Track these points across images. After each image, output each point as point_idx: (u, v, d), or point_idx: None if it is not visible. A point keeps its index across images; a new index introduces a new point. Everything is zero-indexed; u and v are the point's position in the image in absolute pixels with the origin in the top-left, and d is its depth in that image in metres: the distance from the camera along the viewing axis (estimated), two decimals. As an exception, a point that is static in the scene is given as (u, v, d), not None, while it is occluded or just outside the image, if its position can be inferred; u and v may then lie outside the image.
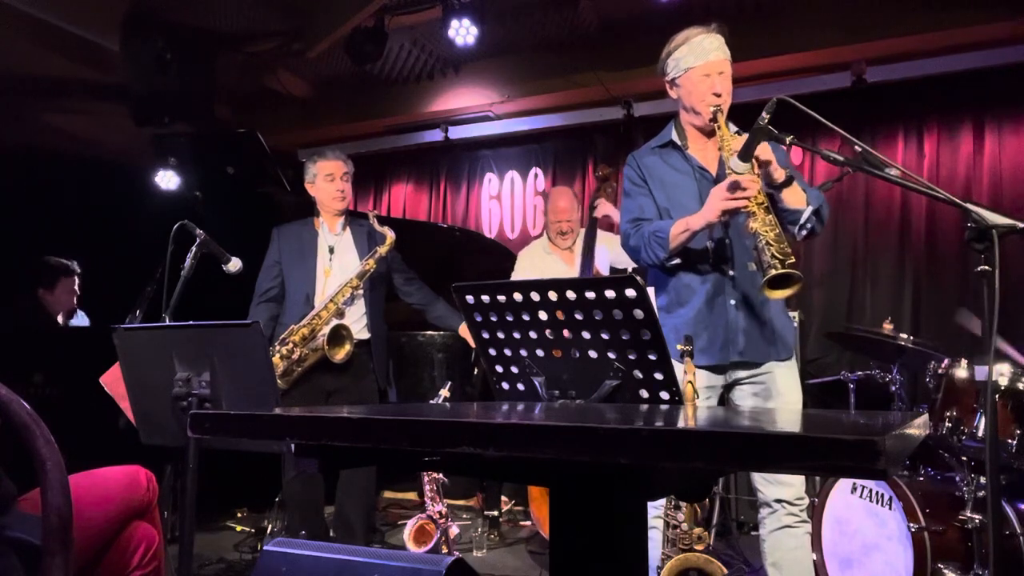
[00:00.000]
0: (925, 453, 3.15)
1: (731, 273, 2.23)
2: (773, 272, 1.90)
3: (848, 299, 4.87)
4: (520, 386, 1.47)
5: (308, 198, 3.47)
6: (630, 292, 1.27)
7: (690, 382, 1.95)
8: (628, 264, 3.53)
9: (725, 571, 2.55)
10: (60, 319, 4.36)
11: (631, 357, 1.33)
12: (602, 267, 3.71)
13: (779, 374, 2.25)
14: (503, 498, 4.39)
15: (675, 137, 2.35)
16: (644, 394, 1.36)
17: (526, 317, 1.38)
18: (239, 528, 4.20)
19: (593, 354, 1.35)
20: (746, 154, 1.99)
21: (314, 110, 5.95)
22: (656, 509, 2.41)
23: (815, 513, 2.92)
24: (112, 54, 4.57)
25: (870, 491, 2.83)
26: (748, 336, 2.22)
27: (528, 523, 4.35)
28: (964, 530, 2.58)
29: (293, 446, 1.05)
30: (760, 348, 2.23)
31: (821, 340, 4.69)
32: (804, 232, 2.17)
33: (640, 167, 2.36)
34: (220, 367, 1.98)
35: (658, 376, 1.33)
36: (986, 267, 1.50)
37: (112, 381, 2.23)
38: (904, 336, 3.17)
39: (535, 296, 1.34)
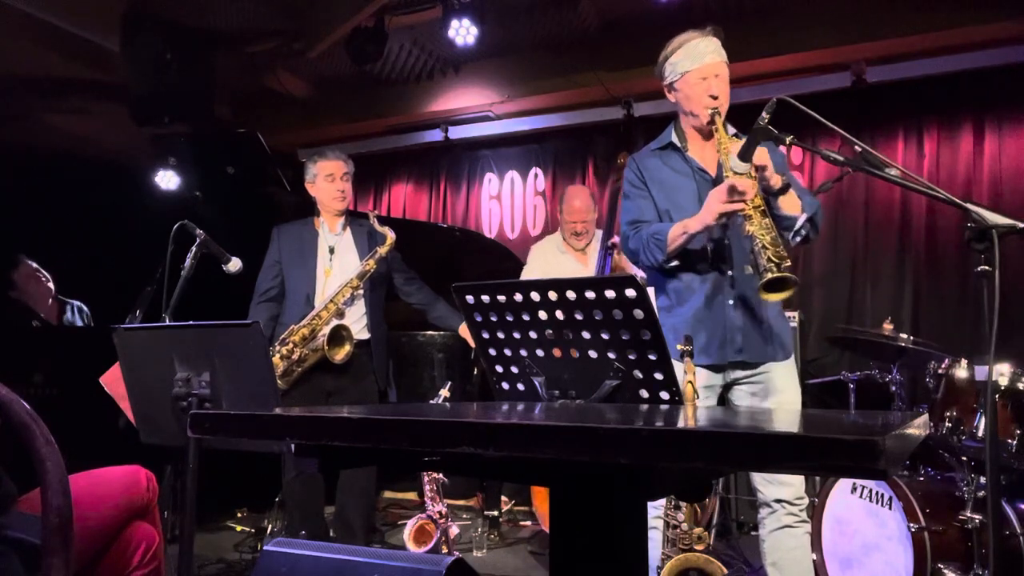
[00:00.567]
0: (925, 453, 3.15)
1: (730, 273, 2.24)
2: (769, 276, 1.92)
3: (848, 299, 4.87)
4: (520, 386, 1.47)
5: (308, 198, 3.47)
6: (630, 292, 1.27)
7: (690, 382, 1.95)
8: None
9: (725, 571, 2.55)
10: (52, 313, 4.32)
11: (631, 357, 1.33)
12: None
13: (777, 374, 2.26)
14: (503, 498, 4.39)
15: (675, 139, 2.36)
16: (644, 394, 1.36)
17: (526, 317, 1.38)
18: (239, 528, 4.20)
19: (593, 354, 1.35)
20: (746, 154, 2.00)
21: (314, 110, 5.94)
22: (656, 509, 2.41)
23: (815, 513, 2.92)
24: (112, 54, 4.57)
25: (870, 491, 2.83)
26: (746, 336, 2.22)
27: (528, 523, 4.35)
28: (964, 530, 2.58)
29: (293, 446, 1.05)
30: (758, 348, 2.24)
31: (821, 341, 4.69)
32: (798, 239, 2.21)
33: (640, 169, 2.37)
34: (220, 367, 1.98)
35: (658, 376, 1.33)
36: (986, 267, 1.50)
37: (112, 381, 2.23)
38: (904, 336, 3.17)
39: (535, 296, 1.35)
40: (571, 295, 1.31)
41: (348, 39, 4.77)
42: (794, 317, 4.18)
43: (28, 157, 5.47)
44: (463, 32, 4.55)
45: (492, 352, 1.47)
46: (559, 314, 1.34)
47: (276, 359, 3.12)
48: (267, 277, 3.36)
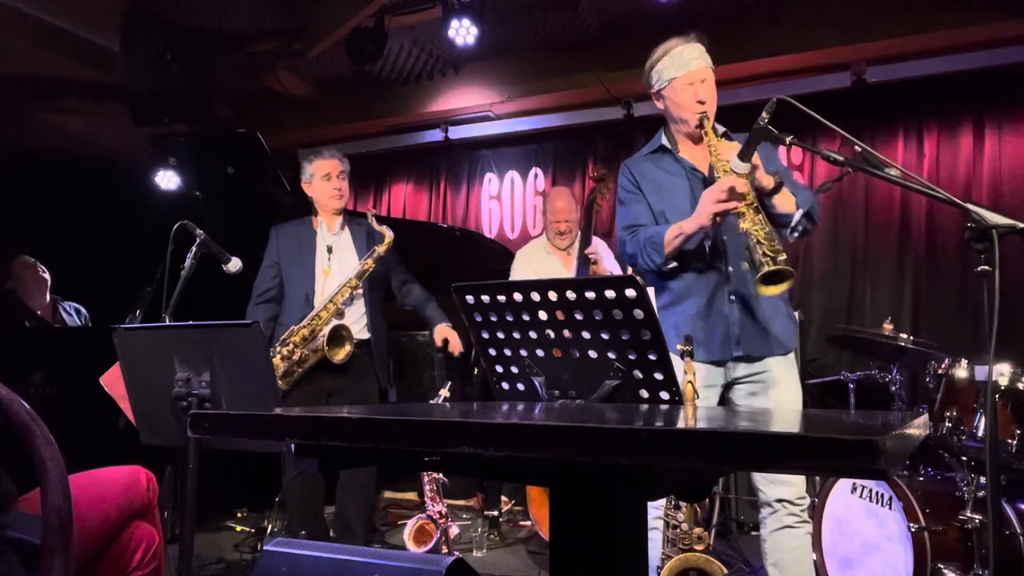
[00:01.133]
0: (925, 453, 3.15)
1: (728, 270, 2.25)
2: (765, 269, 1.93)
3: (848, 299, 4.87)
4: (520, 386, 1.47)
5: (307, 198, 3.47)
6: (630, 292, 1.27)
7: (690, 382, 1.95)
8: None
9: (725, 571, 2.55)
10: (47, 310, 4.31)
11: (631, 357, 1.33)
12: (614, 268, 3.66)
13: (778, 371, 2.26)
14: (503, 498, 4.39)
15: (666, 142, 2.39)
16: (644, 394, 1.36)
17: (526, 317, 1.38)
18: (239, 528, 4.20)
19: (593, 354, 1.35)
20: (746, 154, 2.01)
21: (314, 110, 5.94)
22: (656, 509, 2.41)
23: (815, 513, 2.92)
24: (112, 54, 4.57)
25: (870, 491, 2.83)
26: (746, 331, 2.23)
27: (528, 523, 4.35)
28: (964, 530, 2.58)
29: (293, 446, 1.05)
30: (758, 342, 2.24)
31: (821, 341, 4.69)
32: (795, 235, 2.21)
33: (633, 174, 2.39)
34: (220, 367, 1.98)
35: (658, 376, 1.33)
36: (986, 267, 1.50)
37: (112, 381, 2.23)
38: (904, 336, 3.17)
39: (535, 296, 1.35)
40: (571, 295, 1.31)
41: (348, 39, 4.77)
42: (795, 315, 4.18)
43: (28, 157, 5.47)
44: (463, 32, 4.55)
45: (492, 352, 1.47)
46: (559, 314, 1.34)
47: (277, 360, 3.12)
48: (265, 278, 3.36)
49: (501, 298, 1.38)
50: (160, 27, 4.45)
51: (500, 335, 1.43)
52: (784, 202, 2.17)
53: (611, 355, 1.34)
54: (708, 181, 2.25)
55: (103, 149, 5.64)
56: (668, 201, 2.32)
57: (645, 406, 1.33)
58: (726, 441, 0.74)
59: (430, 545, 3.43)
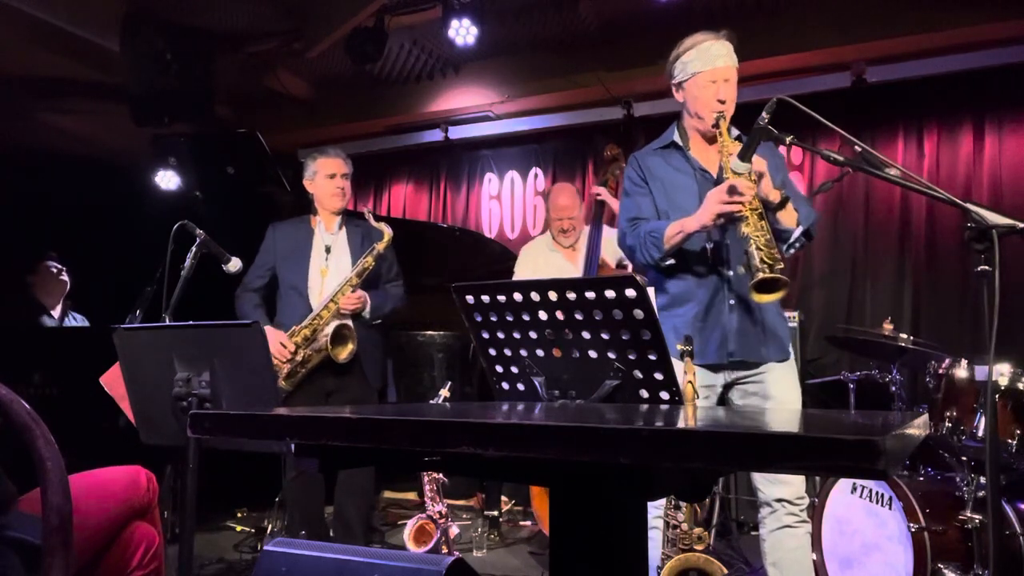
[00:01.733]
0: (925, 453, 3.15)
1: (728, 274, 2.24)
2: (760, 276, 1.93)
3: (848, 299, 4.86)
4: (520, 386, 1.47)
5: (307, 198, 3.46)
6: (630, 292, 1.27)
7: (690, 382, 1.95)
8: None
9: (725, 571, 2.55)
10: (58, 313, 4.37)
11: (631, 357, 1.33)
12: (610, 259, 3.66)
13: (777, 375, 2.26)
14: (503, 498, 4.39)
15: (677, 138, 2.37)
16: (644, 394, 1.36)
17: (526, 317, 1.38)
18: (239, 528, 4.20)
19: (593, 354, 1.35)
20: (746, 154, 2.01)
21: (314, 110, 5.94)
22: (656, 509, 2.41)
23: (815, 513, 2.92)
24: (112, 54, 4.57)
25: (870, 491, 2.83)
26: (744, 336, 2.23)
27: (528, 523, 4.35)
28: (964, 530, 2.58)
29: (293, 446, 1.05)
30: (756, 348, 2.24)
31: (821, 341, 4.69)
32: (791, 251, 2.21)
33: (642, 167, 2.37)
34: (220, 367, 1.98)
35: (658, 376, 1.33)
36: (986, 267, 1.51)
37: (112, 381, 2.23)
38: (904, 336, 3.17)
39: (535, 296, 1.35)
40: (571, 295, 1.31)
41: (348, 39, 4.77)
42: (794, 317, 4.18)
43: (28, 157, 5.47)
44: (463, 32, 4.55)
45: (492, 352, 1.47)
46: (559, 314, 1.34)
47: (280, 362, 3.12)
48: (257, 273, 3.33)
49: (501, 298, 1.38)
50: (160, 27, 4.45)
51: (500, 335, 1.43)
52: (787, 218, 2.18)
53: (611, 355, 1.34)
54: (717, 184, 2.24)
55: (103, 149, 5.64)
56: (673, 200, 2.30)
57: (645, 406, 1.33)
58: (726, 441, 0.74)
59: (430, 545, 3.43)
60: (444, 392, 3.47)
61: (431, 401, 3.62)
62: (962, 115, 4.69)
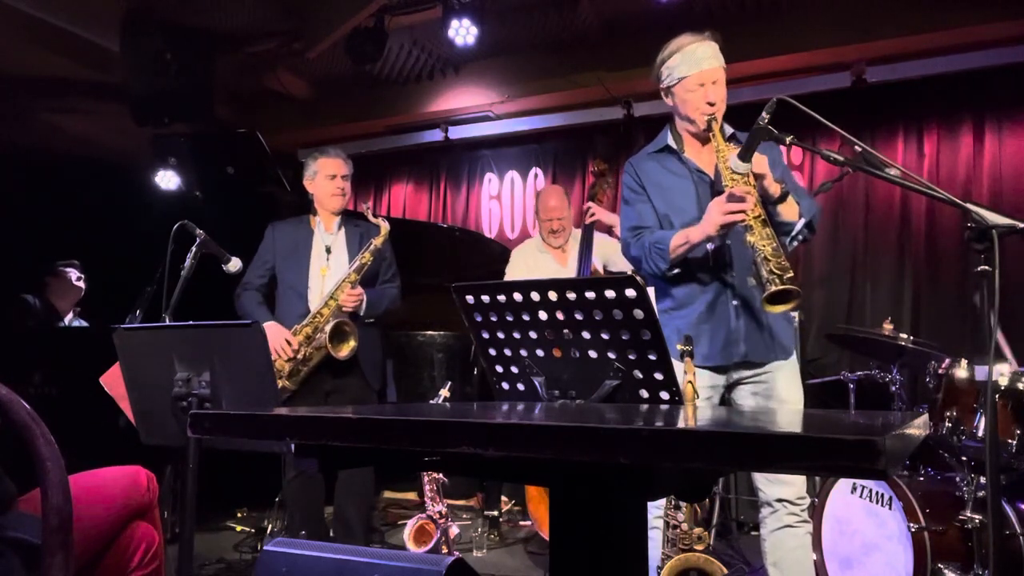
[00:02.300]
0: (925, 453, 3.15)
1: (731, 278, 2.23)
2: (772, 288, 1.91)
3: (848, 299, 4.87)
4: (520, 386, 1.47)
5: (308, 198, 3.46)
6: (630, 292, 1.27)
7: (690, 382, 1.95)
8: (624, 266, 3.49)
9: (725, 571, 2.55)
10: (69, 318, 4.42)
11: (631, 357, 1.33)
12: (599, 265, 3.68)
13: (780, 374, 2.26)
14: (503, 498, 4.39)
15: (671, 142, 2.35)
16: (644, 394, 1.36)
17: (526, 317, 1.38)
18: (239, 528, 4.20)
19: (593, 354, 1.35)
20: (746, 154, 2.00)
21: (314, 110, 5.95)
22: (656, 509, 2.41)
23: (815, 513, 2.92)
24: (112, 54, 4.57)
25: (870, 491, 2.83)
26: (750, 338, 2.22)
27: (528, 523, 4.35)
28: (964, 530, 2.58)
29: (293, 446, 1.05)
30: (761, 349, 2.24)
31: (821, 340, 4.69)
32: (795, 243, 2.22)
33: (638, 173, 2.36)
34: (220, 367, 1.98)
35: (658, 376, 1.33)
36: (986, 267, 1.51)
37: (112, 381, 2.23)
38: (904, 336, 3.16)
39: (535, 296, 1.34)
40: (571, 295, 1.31)
41: (348, 39, 4.77)
42: (794, 317, 4.18)
43: (28, 157, 5.47)
44: (463, 32, 4.56)
45: (492, 352, 1.47)
46: (559, 314, 1.34)
47: (282, 360, 3.12)
48: (256, 273, 3.33)
49: (501, 298, 1.38)
50: (160, 27, 4.45)
51: (500, 335, 1.43)
52: (788, 211, 2.17)
53: (611, 355, 1.34)
54: (714, 185, 2.24)
55: (103, 149, 5.64)
56: (672, 204, 2.29)
57: (645, 406, 1.33)
58: (726, 441, 0.74)
59: (430, 545, 3.43)
60: (444, 392, 3.47)
61: (431, 401, 3.62)
62: (962, 115, 4.69)
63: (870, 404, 3.79)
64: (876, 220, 4.86)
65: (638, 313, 1.27)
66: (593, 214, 3.59)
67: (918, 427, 0.90)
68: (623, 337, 1.31)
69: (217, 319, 2.02)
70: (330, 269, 3.31)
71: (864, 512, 2.83)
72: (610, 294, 1.28)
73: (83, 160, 5.61)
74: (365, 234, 3.39)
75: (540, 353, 1.41)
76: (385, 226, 3.33)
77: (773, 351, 2.25)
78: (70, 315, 4.45)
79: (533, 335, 1.40)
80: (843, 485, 2.92)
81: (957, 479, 2.75)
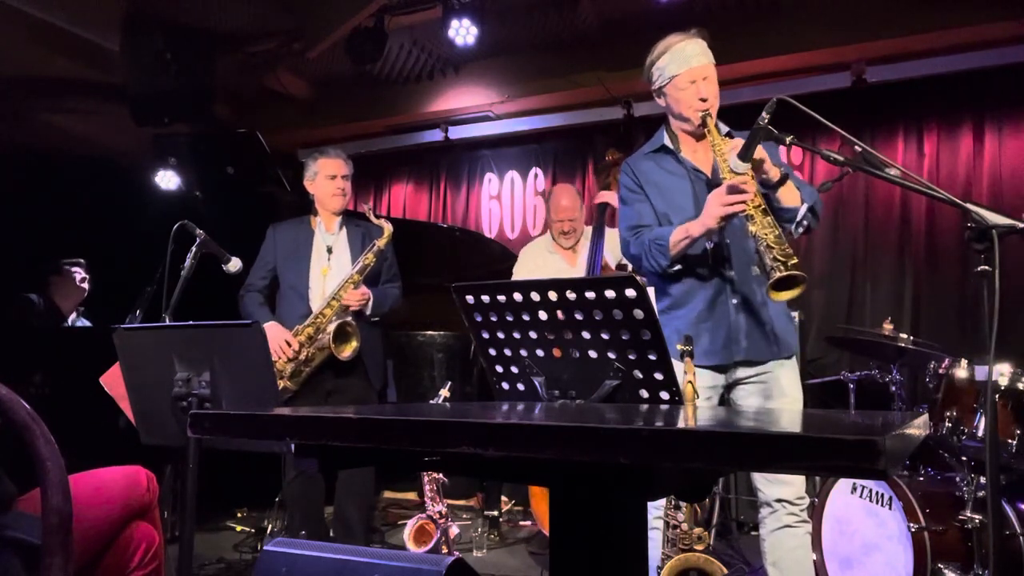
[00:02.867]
0: (925, 453, 3.15)
1: (731, 275, 2.23)
2: (777, 275, 1.90)
3: (848, 299, 4.87)
4: (520, 386, 1.47)
5: (308, 198, 3.46)
6: (630, 292, 1.27)
7: (690, 382, 1.94)
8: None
9: (725, 571, 2.55)
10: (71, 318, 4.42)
11: (631, 357, 1.33)
12: (611, 261, 3.65)
13: (781, 373, 2.26)
14: (503, 498, 4.39)
15: (667, 141, 2.36)
16: (644, 394, 1.36)
17: (526, 317, 1.38)
18: (239, 528, 4.20)
19: (593, 354, 1.35)
20: (746, 153, 2.00)
21: (314, 110, 5.95)
22: (656, 509, 2.41)
23: (815, 513, 2.92)
24: (112, 54, 4.57)
25: (870, 491, 2.83)
26: (750, 336, 2.22)
27: (528, 523, 4.35)
28: (964, 530, 2.58)
29: (293, 446, 1.05)
30: (762, 347, 2.23)
31: (821, 341, 4.69)
32: (800, 229, 2.20)
33: (635, 173, 2.36)
34: (220, 367, 1.98)
35: (658, 376, 1.33)
36: (986, 267, 1.50)
37: (112, 381, 2.23)
38: (904, 336, 3.17)
39: (535, 296, 1.34)
40: (571, 295, 1.31)
41: (348, 39, 4.77)
42: (794, 317, 4.18)
43: (28, 157, 5.47)
44: (463, 32, 4.56)
45: (492, 352, 1.47)
46: (559, 314, 1.34)
47: (283, 361, 3.12)
48: (258, 275, 3.34)
49: (501, 298, 1.38)
50: (160, 27, 4.45)
51: (500, 335, 1.43)
52: (790, 196, 2.15)
53: (611, 355, 1.34)
54: (711, 182, 2.24)
55: (103, 149, 5.64)
56: (671, 203, 2.29)
57: (645, 406, 1.33)
58: (726, 441, 0.74)
59: (430, 545, 3.43)
60: (444, 392, 3.47)
61: (431, 401, 3.62)
62: (962, 115, 4.69)
63: (870, 404, 3.79)
64: (876, 220, 4.86)
65: (638, 313, 1.27)
66: (602, 198, 3.59)
67: (918, 427, 0.90)
68: (623, 337, 1.31)
69: (217, 319, 2.02)
70: (331, 269, 3.31)
71: (864, 512, 2.83)
72: (610, 294, 1.28)
73: (83, 160, 5.61)
74: (366, 234, 3.39)
75: (540, 353, 1.41)
76: (388, 227, 3.34)
77: (774, 349, 2.24)
78: (73, 315, 4.45)
79: (533, 335, 1.40)
80: (843, 485, 2.92)
81: (957, 479, 2.75)
